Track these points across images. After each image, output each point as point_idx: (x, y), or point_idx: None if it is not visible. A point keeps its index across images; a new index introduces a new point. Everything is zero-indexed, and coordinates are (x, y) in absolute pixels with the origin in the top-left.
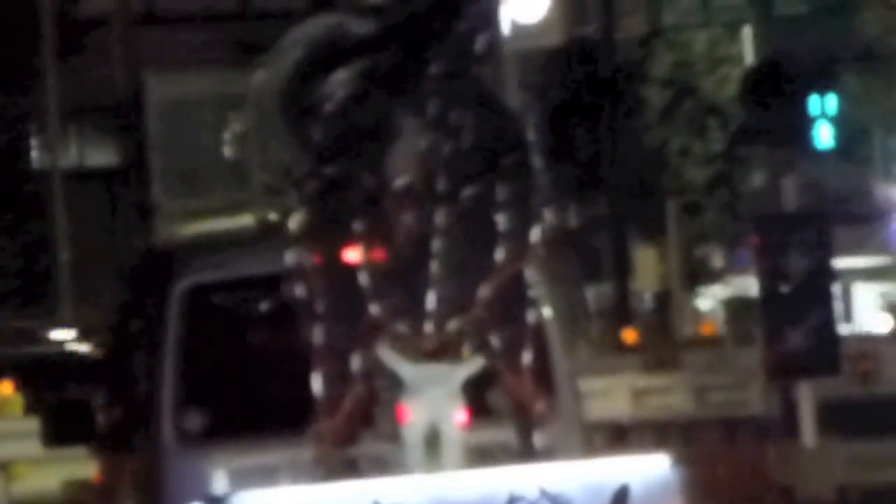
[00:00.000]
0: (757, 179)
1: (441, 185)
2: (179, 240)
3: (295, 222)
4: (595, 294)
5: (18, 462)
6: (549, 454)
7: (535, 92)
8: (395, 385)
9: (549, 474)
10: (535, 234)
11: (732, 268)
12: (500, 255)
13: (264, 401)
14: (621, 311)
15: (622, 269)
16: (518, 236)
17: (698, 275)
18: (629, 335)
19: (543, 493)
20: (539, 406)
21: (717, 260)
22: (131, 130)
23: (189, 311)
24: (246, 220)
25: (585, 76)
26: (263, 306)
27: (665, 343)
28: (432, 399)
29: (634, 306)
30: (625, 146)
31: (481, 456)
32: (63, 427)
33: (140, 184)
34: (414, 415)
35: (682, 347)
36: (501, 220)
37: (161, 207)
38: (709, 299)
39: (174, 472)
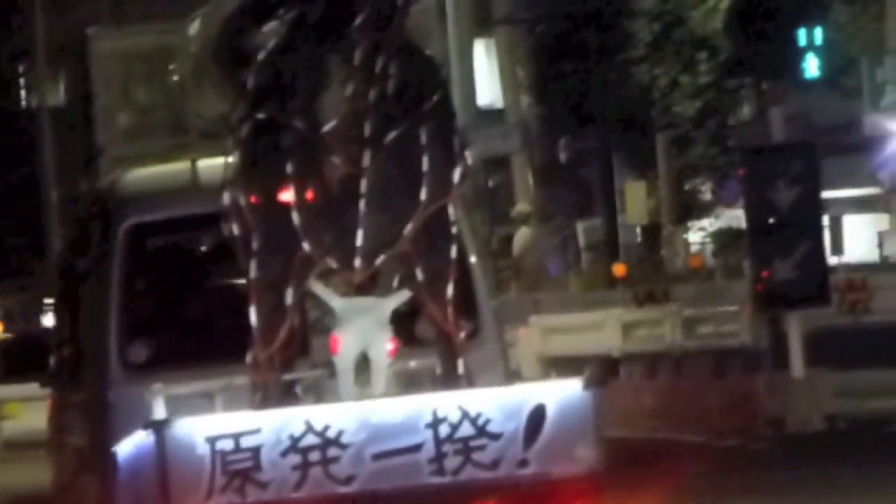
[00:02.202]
0: (745, 111)
1: (368, 128)
2: (122, 182)
3: (231, 165)
4: (585, 228)
5: (10, 402)
6: (470, 380)
7: (524, 27)
8: (327, 316)
9: (471, 398)
10: (457, 173)
11: (722, 200)
12: (423, 193)
13: (203, 333)
14: (611, 245)
15: (612, 204)
16: (440, 175)
17: (688, 208)
18: (619, 269)
19: (464, 415)
20: (461, 335)
21: (707, 193)
22: (77, 77)
23: (131, 249)
24: (184, 164)
25: (573, 10)
26: (201, 244)
27: (655, 276)
28: (362, 329)
29: (624, 240)
30: (613, 80)
31: (408, 382)
32: (16, 362)
33: (86, 128)
34: (345, 344)
35: (671, 280)
36: (425, 161)
37: (105, 151)
38: (698, 232)
39: (118, 400)
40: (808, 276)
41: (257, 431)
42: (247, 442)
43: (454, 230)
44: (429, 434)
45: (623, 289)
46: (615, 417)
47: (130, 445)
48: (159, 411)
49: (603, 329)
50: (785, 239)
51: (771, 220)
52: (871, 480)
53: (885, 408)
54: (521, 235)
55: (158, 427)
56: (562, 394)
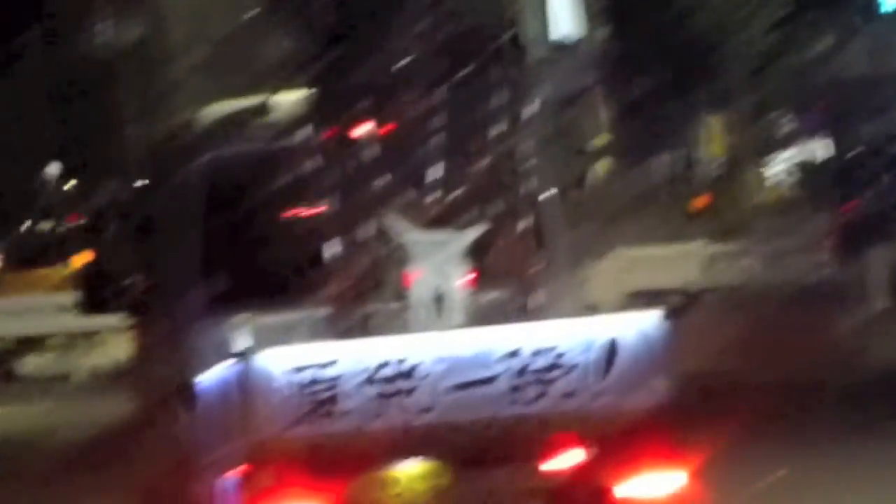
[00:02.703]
0: (824, 44)
1: (440, 65)
2: (198, 118)
3: (306, 101)
4: (664, 162)
5: (97, 332)
6: (543, 313)
7: None
8: (403, 250)
9: (546, 330)
10: (529, 109)
11: (801, 133)
12: (496, 129)
13: (282, 266)
14: (691, 179)
15: (690, 137)
16: (513, 110)
17: (767, 141)
18: (700, 202)
19: (540, 347)
20: (534, 269)
21: (786, 126)
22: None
23: (209, 183)
24: (259, 101)
25: None
26: (278, 179)
27: (735, 209)
28: (437, 262)
29: (704, 173)
30: (689, 13)
31: (483, 314)
32: (98, 294)
33: (160, 65)
34: (420, 277)
35: (751, 213)
36: (496, 96)
37: (180, 88)
38: (778, 165)
39: (200, 331)
40: (893, 207)
41: (336, 363)
42: (326, 373)
43: (527, 164)
44: (504, 366)
45: (704, 222)
46: (695, 352)
47: (214, 376)
48: (242, 342)
49: (684, 263)
50: (866, 172)
51: (852, 154)
52: None
53: None
54: (598, 169)
55: (241, 358)
56: (637, 326)
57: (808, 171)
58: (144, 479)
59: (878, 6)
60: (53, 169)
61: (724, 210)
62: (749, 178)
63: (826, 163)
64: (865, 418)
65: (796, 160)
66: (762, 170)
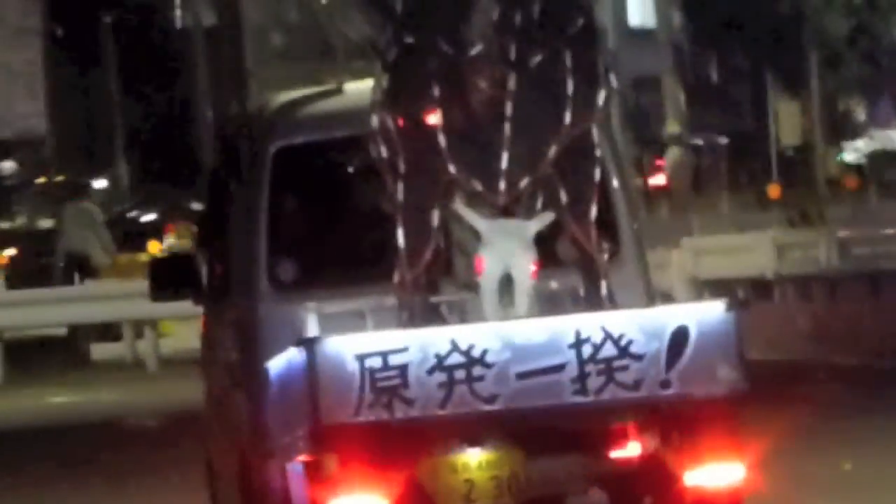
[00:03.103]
0: None
1: (513, 51)
2: (271, 104)
3: (378, 88)
4: (737, 148)
5: (165, 319)
6: (613, 301)
7: None
8: (472, 238)
9: (613, 318)
10: (601, 96)
11: (875, 121)
12: (567, 116)
13: (351, 253)
14: (764, 166)
15: (764, 123)
16: (585, 98)
17: (841, 128)
18: (773, 189)
19: (607, 336)
20: (603, 256)
21: (860, 113)
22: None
23: (280, 170)
24: (332, 87)
25: None
26: (349, 166)
27: (808, 197)
28: (506, 250)
29: (777, 160)
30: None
31: (551, 303)
32: (167, 280)
33: (235, 50)
34: (489, 265)
35: (825, 201)
36: (569, 83)
37: (254, 74)
38: (852, 152)
39: (269, 318)
40: None
41: (404, 350)
42: (394, 360)
43: (598, 152)
44: (571, 354)
45: (777, 209)
46: (768, 340)
47: (282, 362)
48: (310, 329)
49: (756, 250)
50: None
51: None
52: None
53: None
54: (672, 155)
55: (310, 344)
56: (705, 315)
57: (881, 158)
58: (217, 462)
59: None
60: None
61: (797, 197)
62: (824, 165)
63: None
64: None
65: (871, 148)
66: (837, 157)
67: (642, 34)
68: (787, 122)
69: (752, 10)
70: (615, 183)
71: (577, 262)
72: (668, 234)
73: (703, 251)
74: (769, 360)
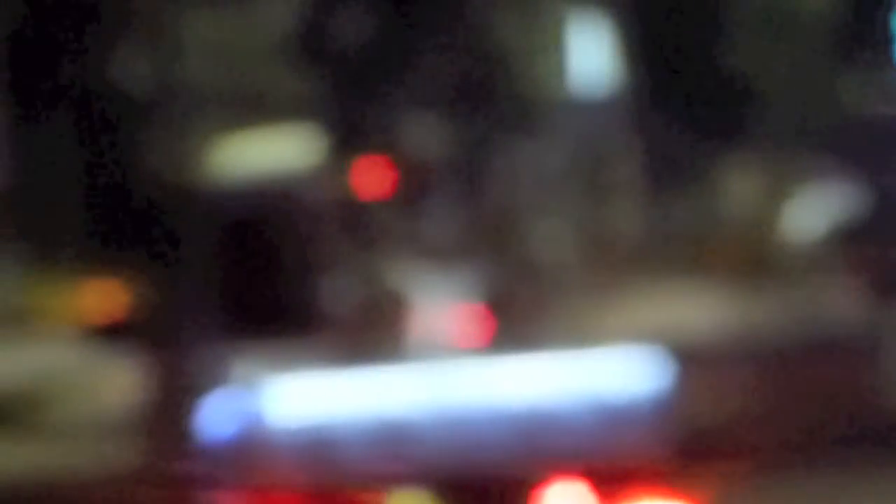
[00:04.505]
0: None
1: (453, 108)
2: (212, 154)
3: (317, 136)
4: (687, 207)
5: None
6: (544, 347)
7: None
8: (407, 284)
9: (544, 366)
10: (546, 154)
11: (829, 177)
12: (511, 175)
13: (289, 299)
14: (714, 225)
15: (714, 184)
16: (529, 156)
17: (793, 186)
18: (720, 248)
19: (536, 385)
20: (539, 304)
21: (812, 171)
22: None
23: (221, 218)
24: (274, 135)
25: None
26: (288, 215)
27: (758, 255)
28: (439, 296)
29: (727, 219)
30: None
31: (482, 346)
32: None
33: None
34: (422, 310)
35: (776, 261)
36: (509, 140)
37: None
38: (806, 210)
39: (206, 360)
40: None
41: (335, 400)
42: (324, 412)
43: (540, 206)
44: (505, 403)
45: (724, 266)
46: (702, 399)
47: (216, 409)
48: (245, 371)
49: (698, 307)
50: None
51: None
52: None
53: None
54: (616, 212)
55: (244, 387)
56: (638, 367)
57: (835, 217)
58: None
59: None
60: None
61: (746, 256)
62: (774, 224)
63: (853, 208)
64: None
65: (824, 206)
66: (788, 215)
67: (589, 95)
68: (737, 181)
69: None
70: (555, 235)
71: (513, 308)
72: (606, 287)
73: (642, 304)
74: (702, 416)
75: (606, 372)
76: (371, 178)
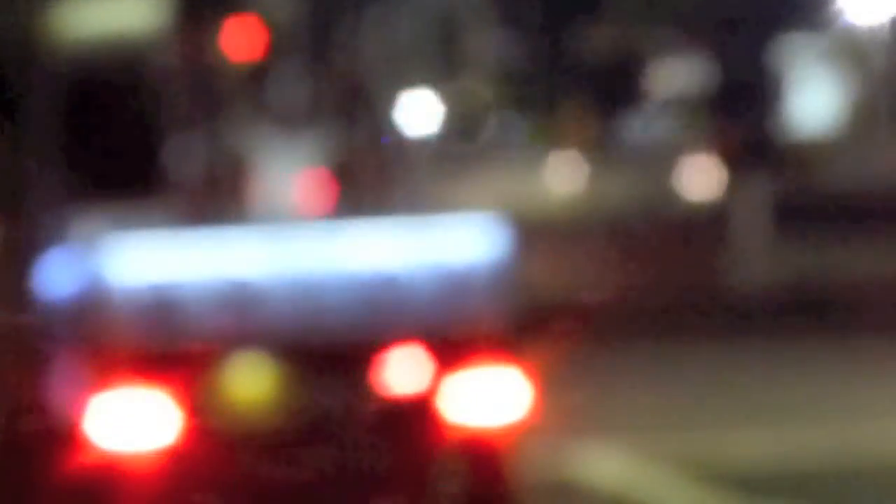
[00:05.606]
0: None
1: None
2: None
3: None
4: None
5: None
6: (388, 213)
7: None
8: (253, 147)
9: (385, 236)
10: None
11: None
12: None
13: (136, 164)
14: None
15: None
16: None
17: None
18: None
19: (378, 256)
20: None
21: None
22: None
23: (67, 83)
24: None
25: None
26: (137, 81)
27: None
28: (284, 161)
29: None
30: None
31: (327, 213)
32: None
33: None
34: (267, 173)
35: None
36: None
37: None
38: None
39: (53, 223)
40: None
41: (180, 263)
42: (170, 274)
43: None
44: (345, 271)
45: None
46: (540, 271)
47: (54, 262)
48: (82, 233)
49: (545, 187)
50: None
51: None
52: None
53: None
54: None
55: (88, 245)
56: (481, 236)
57: (683, 107)
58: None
59: None
60: None
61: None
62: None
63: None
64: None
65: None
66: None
67: None
68: None
69: None
70: None
71: (361, 175)
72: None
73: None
74: (542, 287)
75: (449, 239)
76: (241, 38)
